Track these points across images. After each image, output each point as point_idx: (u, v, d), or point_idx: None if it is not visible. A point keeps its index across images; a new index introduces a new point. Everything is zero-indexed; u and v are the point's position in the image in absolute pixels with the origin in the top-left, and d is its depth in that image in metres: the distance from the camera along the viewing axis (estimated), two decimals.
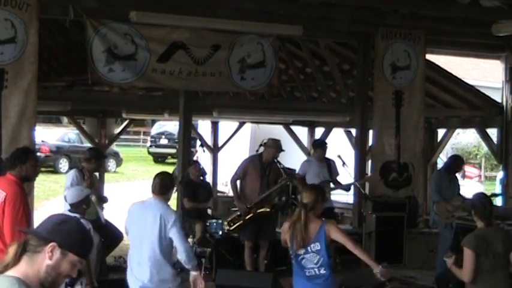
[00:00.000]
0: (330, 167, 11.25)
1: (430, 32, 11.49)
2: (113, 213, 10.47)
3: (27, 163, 6.43)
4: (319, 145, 11.63)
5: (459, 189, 10.79)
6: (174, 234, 6.37)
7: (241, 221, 9.82)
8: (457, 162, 11.01)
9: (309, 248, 5.98)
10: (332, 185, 11.35)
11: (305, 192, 6.18)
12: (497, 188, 17.56)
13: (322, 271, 6.02)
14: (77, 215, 7.24)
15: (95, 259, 8.16)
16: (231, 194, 15.13)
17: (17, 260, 2.98)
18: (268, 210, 9.86)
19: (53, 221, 3.07)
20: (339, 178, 11.37)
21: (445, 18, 11.16)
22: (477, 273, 6.21)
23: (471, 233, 6.40)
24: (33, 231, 3.13)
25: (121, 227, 10.43)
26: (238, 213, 9.89)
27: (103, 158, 10.68)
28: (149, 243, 6.41)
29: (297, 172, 11.33)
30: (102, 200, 9.68)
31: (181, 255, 6.42)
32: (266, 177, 9.92)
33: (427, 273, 10.70)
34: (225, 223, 10.14)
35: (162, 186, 6.52)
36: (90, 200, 7.62)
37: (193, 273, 6.51)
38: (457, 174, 10.96)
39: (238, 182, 10.11)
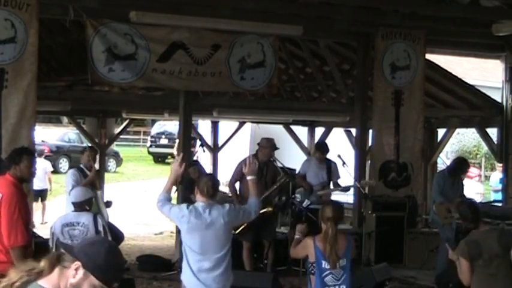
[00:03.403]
0: (330, 169, 11.26)
1: (430, 32, 11.48)
2: (114, 213, 10.47)
3: (21, 164, 6.38)
4: (319, 148, 11.65)
5: (463, 190, 10.68)
6: None
7: (245, 224, 9.75)
8: (462, 166, 10.83)
9: (337, 263, 5.96)
10: (331, 187, 11.36)
11: (329, 207, 6.17)
12: (492, 188, 17.56)
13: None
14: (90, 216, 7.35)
15: None
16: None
17: (51, 269, 3.03)
18: (270, 209, 9.85)
19: (87, 241, 3.17)
20: (340, 181, 11.37)
21: (445, 18, 11.15)
22: (482, 276, 6.16)
23: (463, 240, 6.38)
24: (66, 246, 3.17)
25: (122, 227, 10.47)
26: None
27: (93, 151, 11.29)
28: None
29: (297, 171, 11.28)
30: (107, 204, 9.73)
31: None
32: (264, 177, 9.89)
33: (427, 273, 10.70)
34: None
35: None
36: (92, 202, 7.73)
37: None
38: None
39: (237, 184, 10.07)
